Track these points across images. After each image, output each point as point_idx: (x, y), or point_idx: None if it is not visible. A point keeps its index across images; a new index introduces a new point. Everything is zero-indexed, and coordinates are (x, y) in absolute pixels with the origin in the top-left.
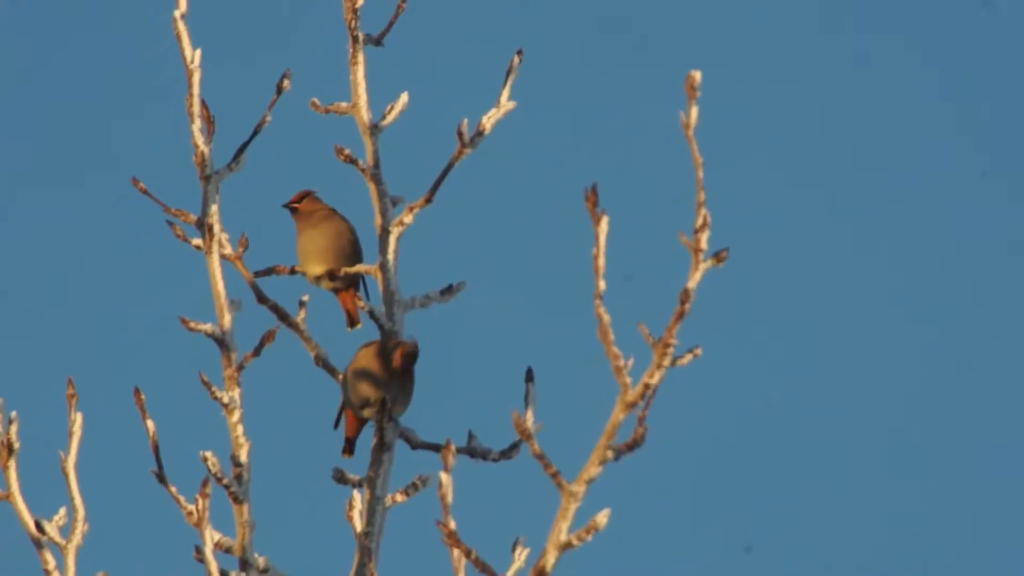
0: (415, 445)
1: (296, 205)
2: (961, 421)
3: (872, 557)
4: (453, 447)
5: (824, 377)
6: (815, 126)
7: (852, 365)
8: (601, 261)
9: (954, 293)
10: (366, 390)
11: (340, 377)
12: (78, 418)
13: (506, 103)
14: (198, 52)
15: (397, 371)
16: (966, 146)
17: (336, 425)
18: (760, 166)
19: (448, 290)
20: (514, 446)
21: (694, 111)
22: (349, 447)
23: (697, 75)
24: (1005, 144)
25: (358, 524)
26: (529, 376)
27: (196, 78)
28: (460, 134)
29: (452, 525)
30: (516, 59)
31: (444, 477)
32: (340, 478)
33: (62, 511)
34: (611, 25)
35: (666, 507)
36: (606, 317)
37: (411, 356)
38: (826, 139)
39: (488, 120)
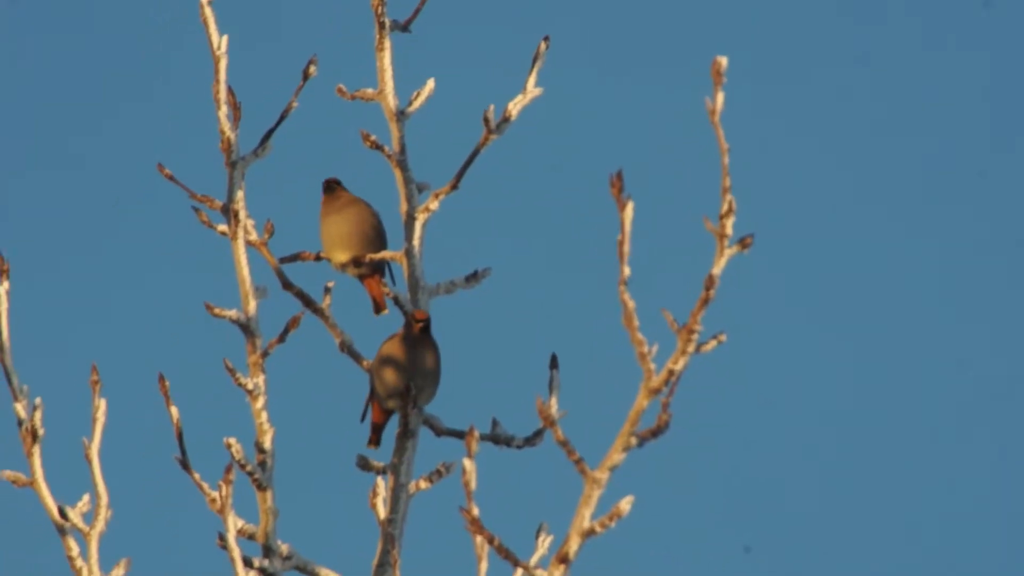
0: (439, 432)
1: (332, 183)
2: (960, 421)
3: (872, 557)
4: (477, 433)
5: (824, 377)
6: (815, 126)
7: (854, 365)
8: (626, 247)
9: (956, 293)
10: (392, 378)
11: (365, 364)
12: (102, 404)
13: (532, 89)
14: (225, 38)
15: (421, 347)
16: (965, 146)
17: (363, 418)
18: (761, 161)
19: (473, 276)
20: (538, 433)
21: (720, 97)
22: (375, 438)
23: (723, 61)
24: (1005, 144)
25: (382, 511)
26: (553, 363)
27: (223, 64)
28: (486, 120)
29: (475, 512)
30: (543, 45)
31: (468, 463)
32: (364, 465)
33: (85, 498)
34: (637, 10)
35: (672, 502)
36: (631, 303)
37: (423, 319)
38: (826, 138)
39: (514, 106)
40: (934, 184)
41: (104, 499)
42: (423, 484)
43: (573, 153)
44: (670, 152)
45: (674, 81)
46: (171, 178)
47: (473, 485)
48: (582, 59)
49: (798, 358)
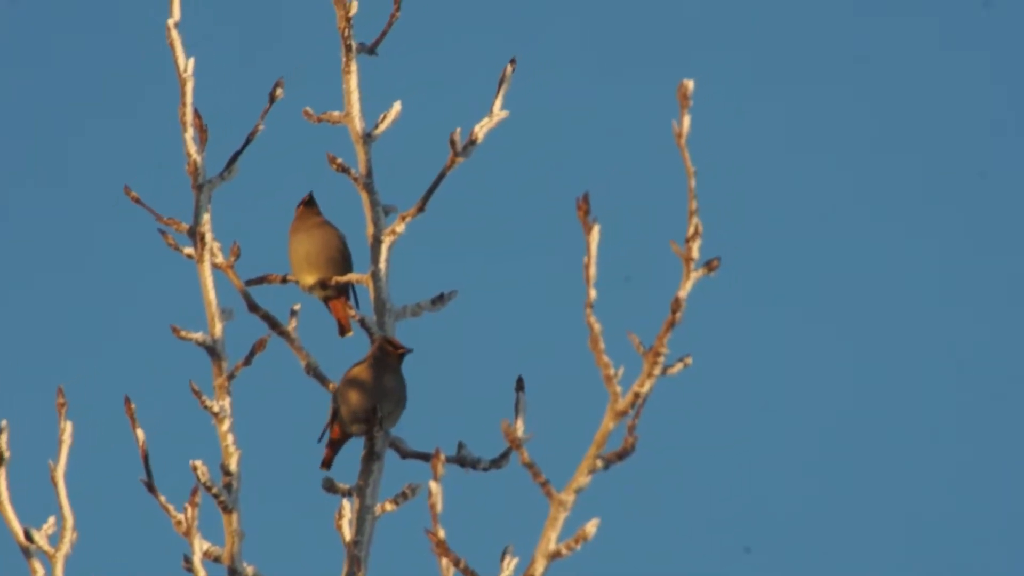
0: (405, 454)
1: (303, 205)
2: (960, 420)
3: (871, 557)
4: (443, 456)
5: (824, 376)
6: (815, 126)
7: (852, 364)
8: (592, 270)
9: (956, 293)
10: (358, 402)
11: (331, 387)
12: (68, 427)
13: (499, 112)
14: (191, 61)
15: (389, 372)
16: (965, 146)
17: (320, 438)
18: (754, 167)
19: (439, 299)
20: (504, 455)
21: (686, 120)
22: (329, 460)
23: (690, 84)
24: (1005, 144)
25: (347, 533)
26: (519, 385)
27: (189, 87)
28: (453, 143)
29: (441, 534)
30: (509, 68)
31: (434, 486)
32: (330, 487)
33: (51, 520)
34: (605, 33)
35: (663, 509)
36: (597, 326)
37: (404, 350)
38: (826, 138)
39: (481, 129)
40: (934, 184)
41: (70, 521)
42: (389, 506)
43: (540, 175)
44: (638, 174)
45: (641, 102)
46: (138, 201)
47: (439, 507)
48: (550, 81)
49: (796, 359)
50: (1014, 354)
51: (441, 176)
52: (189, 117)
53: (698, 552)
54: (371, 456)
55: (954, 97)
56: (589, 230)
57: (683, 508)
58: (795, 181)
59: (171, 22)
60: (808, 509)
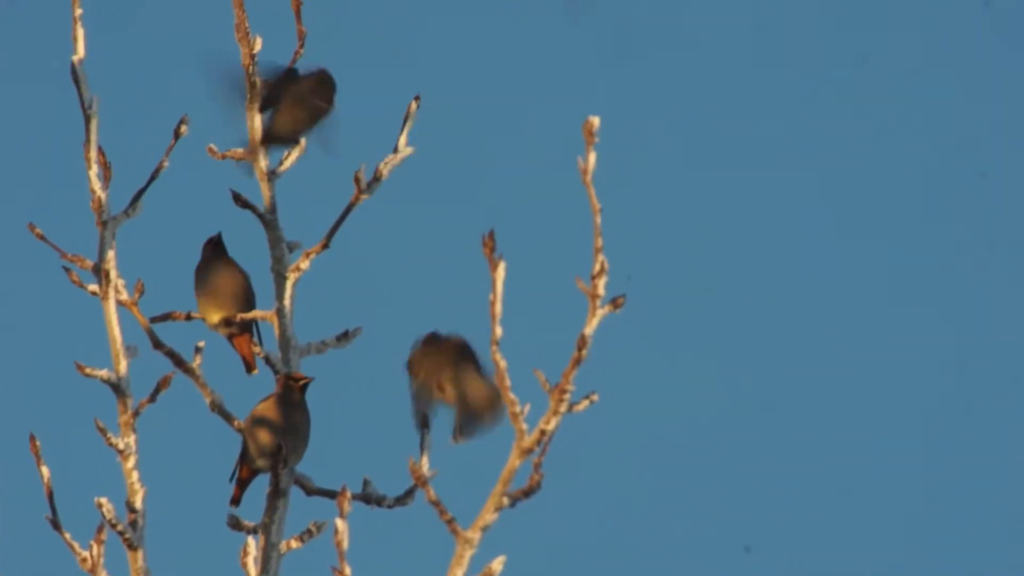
0: (310, 491)
1: (210, 244)
2: (959, 420)
3: (871, 557)
4: (349, 493)
5: (822, 377)
6: (815, 126)
7: (850, 364)
8: (498, 307)
9: (951, 293)
10: (264, 438)
11: (236, 424)
12: None
13: (404, 149)
14: (96, 98)
15: (294, 408)
16: (965, 146)
17: (232, 478)
18: (746, 168)
19: (344, 336)
20: (409, 492)
21: (592, 157)
22: (238, 497)
23: (595, 120)
24: (1004, 144)
25: (253, 571)
26: (425, 423)
27: (94, 124)
28: (357, 180)
29: (347, 571)
30: (413, 105)
31: (340, 523)
32: (235, 524)
33: None
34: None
35: (659, 512)
36: (503, 363)
37: (304, 379)
38: (826, 138)
39: (385, 166)
40: (934, 184)
41: None
42: (294, 543)
43: (446, 212)
44: (544, 210)
45: (544, 137)
46: (42, 237)
47: (345, 545)
48: (455, 116)
49: (774, 368)
50: (1014, 354)
51: (346, 213)
52: (93, 154)
53: (698, 552)
54: (276, 493)
55: (954, 97)
56: (495, 267)
57: (683, 508)
58: (793, 181)
59: (75, 59)
60: (807, 509)
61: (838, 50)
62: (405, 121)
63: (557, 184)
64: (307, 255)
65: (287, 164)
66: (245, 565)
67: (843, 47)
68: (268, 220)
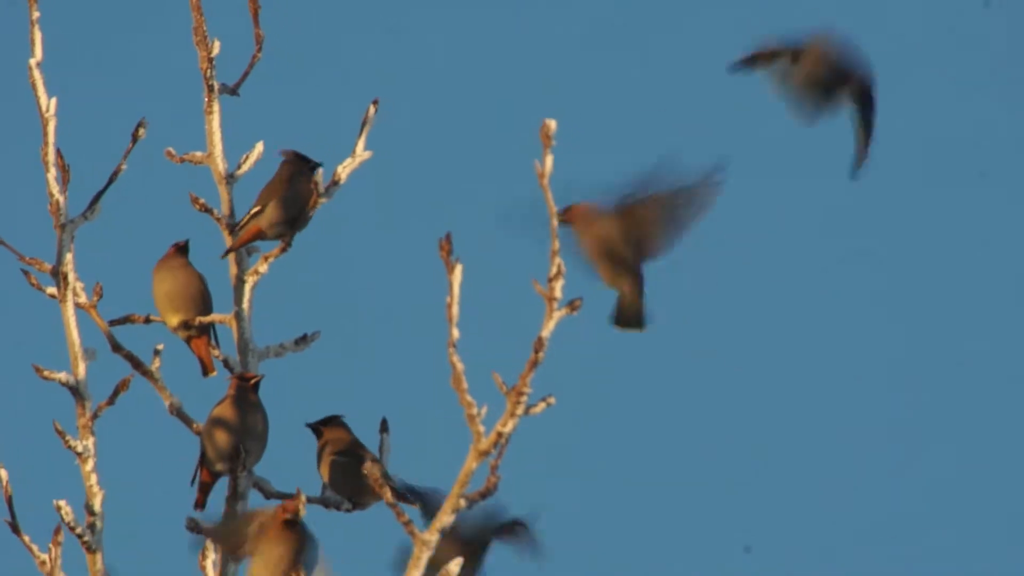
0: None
1: (174, 248)
2: (959, 420)
3: (871, 557)
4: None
5: (822, 377)
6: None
7: (850, 364)
8: (455, 309)
9: (951, 293)
10: (223, 441)
11: (195, 427)
12: None
13: (362, 153)
14: (54, 100)
15: (251, 409)
16: (965, 146)
17: (192, 481)
18: (746, 168)
19: (303, 339)
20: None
21: (549, 160)
22: (202, 500)
23: (552, 124)
24: (1005, 144)
25: (212, 574)
26: (384, 427)
27: (51, 126)
28: (315, 184)
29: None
30: (372, 109)
31: None
32: (194, 527)
33: None
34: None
35: (659, 512)
36: (460, 365)
37: (255, 377)
38: (826, 138)
39: (343, 170)
40: (934, 184)
41: None
42: None
43: (402, 215)
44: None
45: (501, 137)
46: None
47: None
48: (414, 120)
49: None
50: (1015, 354)
51: (306, 217)
52: (51, 157)
53: (698, 552)
54: (235, 496)
55: (954, 97)
56: (452, 270)
57: (683, 508)
58: (792, 181)
59: (33, 62)
60: (806, 509)
61: None
62: (364, 125)
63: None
64: (266, 259)
65: (246, 167)
66: (203, 568)
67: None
68: (227, 224)
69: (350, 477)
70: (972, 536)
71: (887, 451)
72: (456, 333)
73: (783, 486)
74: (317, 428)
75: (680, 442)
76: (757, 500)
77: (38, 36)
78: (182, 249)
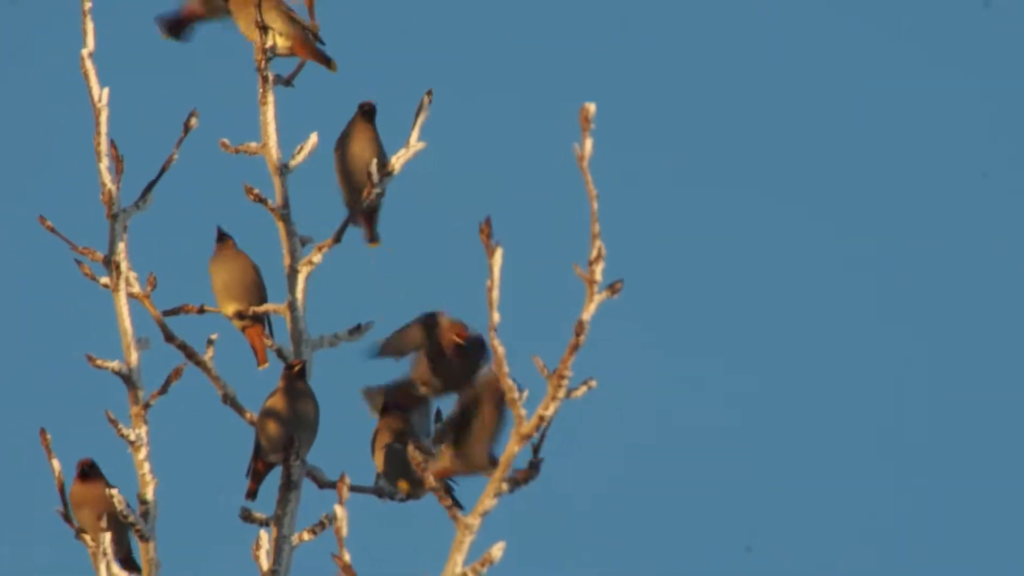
0: (322, 484)
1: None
2: (959, 420)
3: (871, 557)
4: (348, 480)
5: (823, 376)
6: (814, 125)
7: (851, 364)
8: (495, 293)
9: (952, 294)
10: (275, 431)
11: (248, 417)
12: None
13: (416, 143)
14: (106, 91)
15: (302, 399)
16: (966, 146)
17: (248, 472)
18: (745, 168)
19: (356, 329)
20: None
21: (588, 143)
22: (254, 490)
23: (591, 107)
24: (1005, 144)
25: (264, 563)
26: (438, 417)
27: (104, 116)
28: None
29: (347, 558)
30: (426, 99)
31: (339, 510)
32: (247, 517)
33: None
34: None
35: (659, 512)
36: (501, 349)
37: (297, 364)
38: (826, 137)
39: (397, 160)
40: (934, 184)
41: None
42: (306, 536)
43: (455, 204)
44: (543, 196)
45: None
46: (52, 230)
47: (345, 531)
48: (464, 107)
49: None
50: (1015, 354)
51: (359, 207)
52: (104, 147)
53: (698, 552)
54: (288, 485)
55: (954, 97)
56: (492, 253)
57: (683, 508)
58: (791, 182)
59: (85, 52)
60: (807, 509)
61: (838, 50)
62: (418, 115)
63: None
64: (319, 249)
65: (300, 158)
66: (257, 558)
67: (843, 47)
68: (281, 214)
69: (405, 465)
70: (971, 536)
71: (885, 452)
72: (497, 316)
73: (783, 486)
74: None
75: (679, 442)
76: (757, 500)
77: (90, 26)
78: (221, 237)
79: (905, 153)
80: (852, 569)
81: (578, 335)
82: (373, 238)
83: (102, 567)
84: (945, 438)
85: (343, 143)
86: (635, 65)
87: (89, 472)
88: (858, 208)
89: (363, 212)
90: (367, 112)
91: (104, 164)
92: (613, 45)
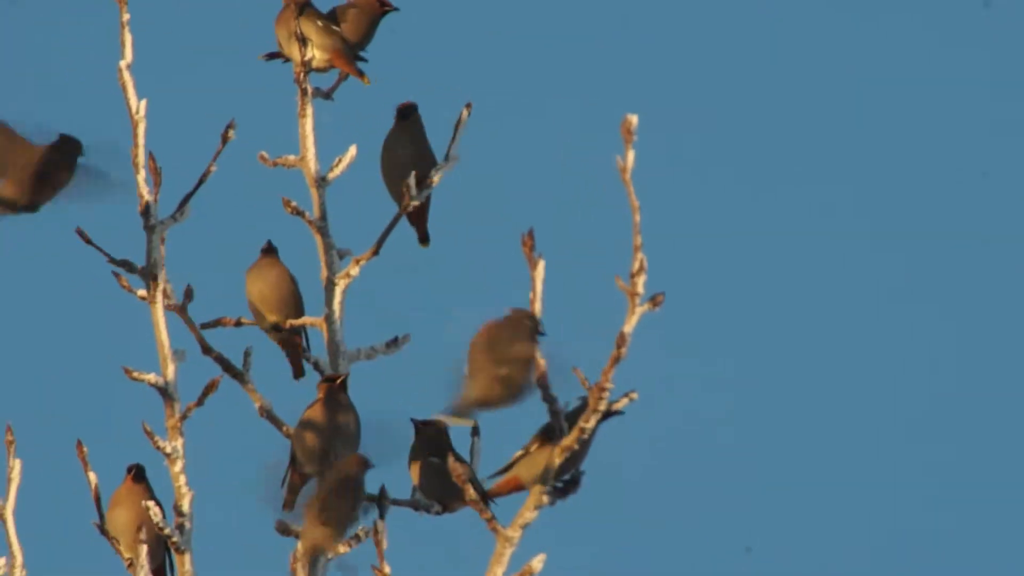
0: None
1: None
2: (960, 420)
3: (871, 557)
4: (388, 494)
5: (823, 376)
6: (815, 126)
7: (852, 364)
8: (538, 305)
9: (952, 293)
10: (312, 443)
11: (285, 430)
12: (17, 464)
13: (454, 156)
14: (144, 102)
15: (341, 412)
16: (966, 146)
17: (283, 483)
18: (746, 168)
19: (394, 342)
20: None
21: (631, 155)
22: (291, 501)
23: (634, 119)
24: (1006, 144)
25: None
26: (475, 431)
27: (141, 128)
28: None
29: (387, 570)
30: (465, 113)
31: (379, 523)
32: (283, 530)
33: (1, 560)
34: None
35: (659, 511)
36: (543, 362)
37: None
38: (826, 137)
39: (436, 173)
40: (934, 184)
41: (19, 559)
42: (342, 548)
43: (494, 216)
44: (585, 209)
45: (586, 138)
46: (89, 242)
47: (385, 544)
48: (499, 120)
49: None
50: (1015, 354)
51: (396, 220)
52: (141, 158)
53: (698, 552)
54: None
55: (954, 97)
56: (534, 266)
57: (683, 508)
58: (791, 182)
59: (123, 64)
60: (806, 509)
61: (838, 50)
62: (456, 128)
63: (596, 182)
64: (357, 262)
65: (338, 170)
66: (294, 571)
67: (843, 47)
68: (319, 227)
69: (441, 479)
70: (971, 536)
71: (886, 451)
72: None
73: (782, 486)
74: (419, 426)
75: (680, 442)
76: (757, 500)
77: (128, 38)
78: (267, 251)
79: (905, 153)
80: (852, 569)
81: (619, 347)
82: (424, 239)
83: None
84: (945, 438)
85: (383, 149)
86: (635, 64)
87: (138, 476)
88: (858, 208)
89: (410, 215)
90: (403, 113)
91: (141, 176)
92: (630, 48)
